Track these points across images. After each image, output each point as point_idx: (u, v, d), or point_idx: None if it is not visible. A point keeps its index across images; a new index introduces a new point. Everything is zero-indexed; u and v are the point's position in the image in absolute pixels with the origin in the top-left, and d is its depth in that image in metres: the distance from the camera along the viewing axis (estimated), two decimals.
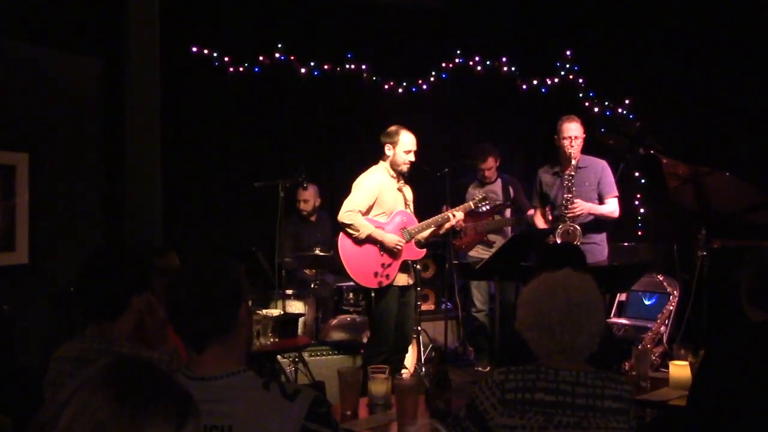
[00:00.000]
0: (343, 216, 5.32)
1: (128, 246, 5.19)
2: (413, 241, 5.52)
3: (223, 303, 2.02)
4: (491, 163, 6.78)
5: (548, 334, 2.38)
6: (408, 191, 5.63)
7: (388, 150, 5.45)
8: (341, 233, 5.39)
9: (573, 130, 5.70)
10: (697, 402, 2.77)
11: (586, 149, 5.86)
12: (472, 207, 5.79)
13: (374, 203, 5.41)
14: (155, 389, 1.29)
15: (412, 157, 5.46)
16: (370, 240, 5.34)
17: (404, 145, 5.42)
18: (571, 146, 5.67)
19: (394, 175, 5.50)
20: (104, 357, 2.49)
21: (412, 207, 5.64)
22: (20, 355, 4.71)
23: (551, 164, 5.98)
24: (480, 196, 5.89)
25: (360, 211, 5.33)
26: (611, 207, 5.78)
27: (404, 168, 5.47)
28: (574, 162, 5.67)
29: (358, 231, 5.30)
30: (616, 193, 5.83)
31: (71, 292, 4.46)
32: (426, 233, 5.60)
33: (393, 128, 5.50)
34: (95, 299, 2.66)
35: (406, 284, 5.54)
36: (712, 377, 2.70)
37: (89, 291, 2.67)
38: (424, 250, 5.67)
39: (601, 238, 5.84)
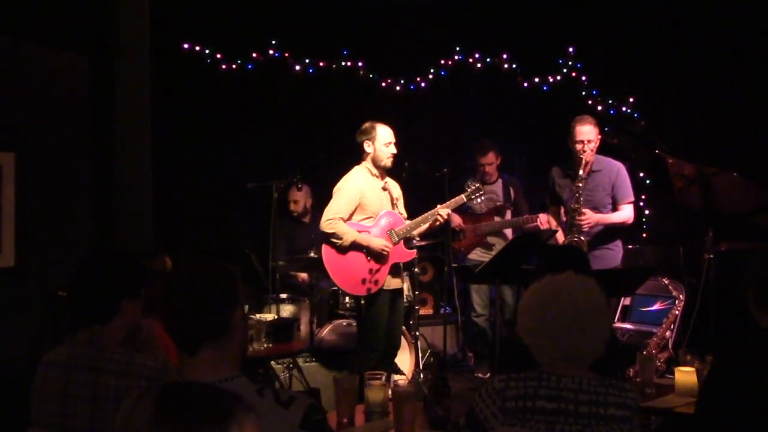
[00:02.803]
0: (324, 225, 5.25)
1: (121, 250, 5.19)
2: (402, 242, 5.45)
3: (217, 304, 2.03)
4: (492, 158, 6.74)
5: (551, 340, 2.38)
6: (395, 188, 5.56)
7: (368, 147, 5.40)
8: (324, 243, 5.32)
9: (586, 134, 5.61)
10: (706, 410, 2.77)
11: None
12: (465, 200, 5.67)
13: (357, 208, 5.35)
14: (197, 403, 1.33)
15: (393, 149, 5.41)
16: (355, 246, 5.28)
17: (383, 138, 5.38)
18: (584, 150, 5.59)
19: (377, 174, 5.44)
20: (95, 363, 2.52)
21: (401, 204, 5.57)
22: (6, 361, 4.71)
23: (566, 165, 5.90)
24: (473, 187, 5.67)
25: (342, 218, 5.27)
26: (624, 214, 5.71)
27: (388, 162, 5.41)
28: (582, 173, 5.60)
29: (341, 239, 5.24)
30: (632, 199, 5.75)
31: (59, 296, 4.47)
32: (416, 232, 5.54)
33: (367, 125, 5.45)
34: (85, 302, 2.67)
35: (398, 288, 5.50)
36: (721, 385, 2.70)
37: (79, 294, 2.69)
38: (414, 251, 5.58)
39: (615, 243, 5.79)
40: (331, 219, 5.25)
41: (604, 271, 5.25)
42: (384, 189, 5.48)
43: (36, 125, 5.18)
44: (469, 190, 5.67)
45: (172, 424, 1.28)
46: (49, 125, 5.26)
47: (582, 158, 5.60)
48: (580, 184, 5.61)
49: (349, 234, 5.25)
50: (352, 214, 5.35)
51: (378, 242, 5.31)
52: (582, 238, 5.54)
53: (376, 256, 5.32)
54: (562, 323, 2.36)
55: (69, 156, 5.39)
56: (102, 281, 2.67)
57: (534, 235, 5.88)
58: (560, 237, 5.80)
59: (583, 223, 5.56)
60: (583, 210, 5.57)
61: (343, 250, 5.28)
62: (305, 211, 7.01)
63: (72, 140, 5.42)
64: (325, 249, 5.31)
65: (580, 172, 5.61)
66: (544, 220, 6.20)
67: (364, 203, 5.36)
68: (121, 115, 5.42)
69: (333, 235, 5.24)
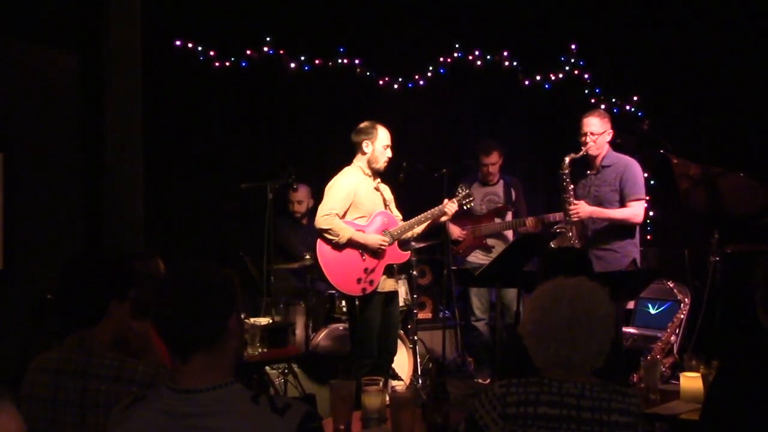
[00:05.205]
0: (321, 221, 5.22)
1: (109, 251, 5.19)
2: (396, 243, 5.44)
3: (212, 310, 2.02)
4: (495, 158, 6.72)
5: (544, 344, 2.38)
6: (386, 191, 5.56)
7: (366, 146, 5.38)
8: (319, 239, 5.28)
9: (590, 125, 5.56)
10: (712, 417, 2.78)
11: None
12: (455, 203, 5.57)
13: (351, 206, 5.33)
14: None
15: (389, 153, 5.41)
16: (350, 244, 5.25)
17: (383, 140, 5.38)
18: (586, 142, 5.54)
19: (370, 174, 5.43)
20: (84, 368, 2.52)
21: (392, 207, 5.57)
22: None
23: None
24: (464, 192, 5.64)
25: (337, 214, 5.25)
26: (630, 211, 5.47)
27: (383, 165, 5.41)
28: (567, 159, 5.55)
29: (338, 236, 5.21)
30: (641, 196, 5.53)
31: (48, 300, 4.47)
32: (412, 233, 5.54)
33: (367, 124, 5.44)
34: (72, 304, 2.67)
35: (393, 290, 5.49)
36: (727, 391, 2.71)
37: (66, 296, 2.69)
38: (409, 252, 5.60)
39: (622, 245, 5.53)
40: (327, 214, 5.22)
41: (608, 274, 5.21)
42: (376, 189, 5.47)
43: (24, 124, 5.18)
44: (460, 195, 5.62)
45: None
46: (38, 125, 5.26)
47: (586, 149, 5.54)
48: (567, 171, 5.56)
49: (345, 230, 5.23)
50: (346, 212, 5.33)
51: (375, 239, 5.30)
52: (568, 227, 5.54)
53: (372, 255, 5.30)
54: (557, 331, 2.36)
55: (58, 156, 5.39)
56: (89, 284, 2.66)
57: (536, 237, 5.87)
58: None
59: (572, 210, 5.52)
60: (575, 201, 5.53)
61: (338, 247, 5.26)
62: (307, 211, 7.02)
63: (61, 140, 5.42)
64: (320, 246, 5.28)
65: (566, 160, 5.56)
66: (531, 225, 6.31)
67: (358, 201, 5.35)
68: (111, 115, 5.42)
69: (329, 231, 5.20)
